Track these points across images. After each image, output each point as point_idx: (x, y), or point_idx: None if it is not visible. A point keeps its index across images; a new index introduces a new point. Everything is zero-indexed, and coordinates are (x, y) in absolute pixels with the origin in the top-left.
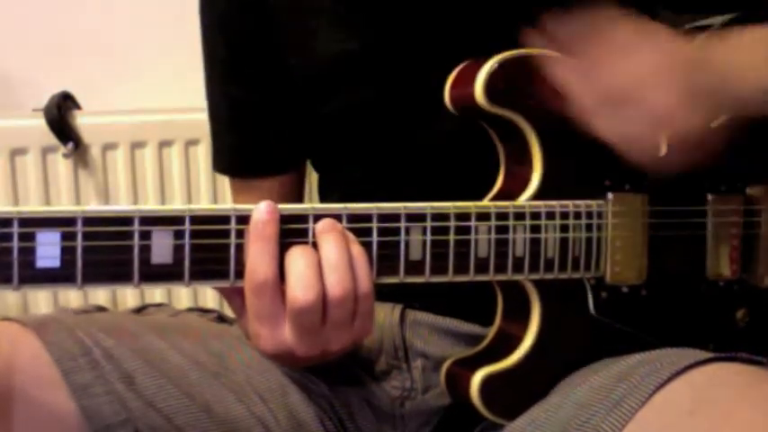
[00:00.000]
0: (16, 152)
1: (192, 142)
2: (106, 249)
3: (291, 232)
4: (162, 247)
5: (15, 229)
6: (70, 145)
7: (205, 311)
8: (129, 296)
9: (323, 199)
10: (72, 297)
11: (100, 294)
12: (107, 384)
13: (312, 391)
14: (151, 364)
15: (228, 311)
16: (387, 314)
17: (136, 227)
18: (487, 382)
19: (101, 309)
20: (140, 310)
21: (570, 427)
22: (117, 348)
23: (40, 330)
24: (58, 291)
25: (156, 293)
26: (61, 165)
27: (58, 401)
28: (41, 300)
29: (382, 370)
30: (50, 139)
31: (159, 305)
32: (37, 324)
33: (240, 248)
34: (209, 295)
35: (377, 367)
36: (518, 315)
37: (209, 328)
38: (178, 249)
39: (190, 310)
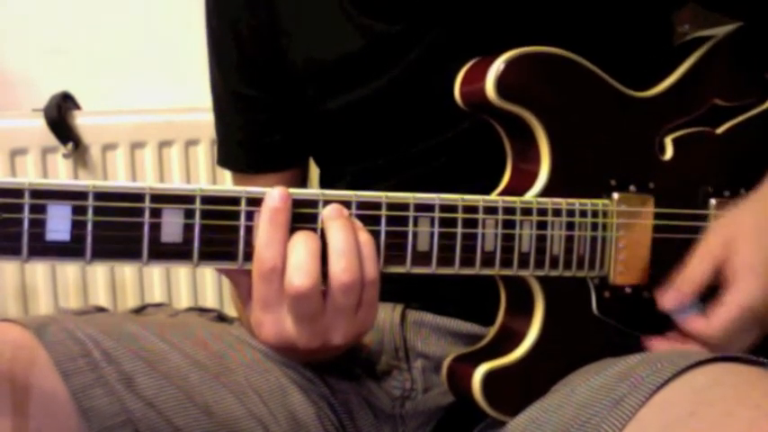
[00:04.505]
0: (16, 152)
1: (191, 142)
2: (116, 225)
3: (300, 217)
4: (172, 226)
5: (26, 201)
6: (70, 145)
7: (205, 311)
8: (129, 296)
9: None
10: (72, 297)
11: (100, 295)
12: (107, 385)
13: (312, 392)
14: (151, 364)
15: (228, 311)
16: (387, 314)
17: (147, 204)
18: (489, 378)
19: (100, 309)
20: (140, 310)
21: (571, 426)
22: (117, 349)
23: (39, 332)
24: (58, 286)
25: (155, 292)
26: (61, 165)
27: (58, 403)
28: (41, 300)
29: (382, 370)
30: (50, 139)
31: (159, 305)
32: (36, 325)
33: (250, 231)
34: (209, 295)
35: (377, 367)
36: (521, 312)
37: (209, 328)
38: (188, 229)
39: (190, 309)
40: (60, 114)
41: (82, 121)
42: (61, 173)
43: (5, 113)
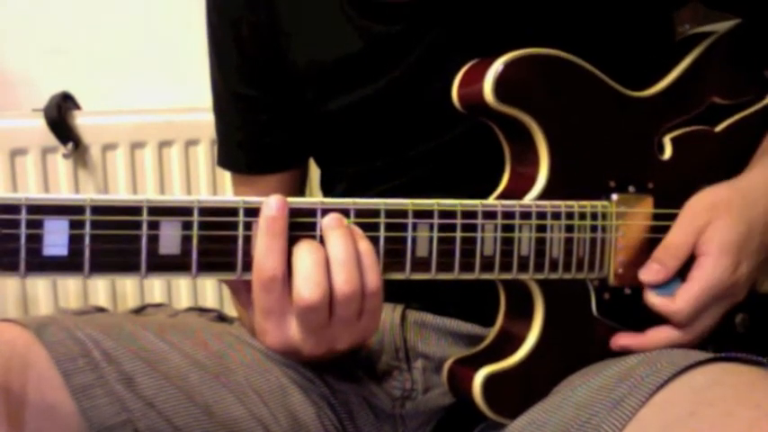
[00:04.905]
0: (16, 152)
1: (191, 142)
2: (114, 239)
3: (299, 226)
4: (170, 238)
5: (23, 216)
6: (70, 145)
7: (205, 311)
8: (129, 296)
9: (326, 194)
10: (72, 298)
11: (100, 295)
12: (107, 385)
13: (312, 392)
14: (151, 364)
15: (228, 310)
16: (387, 314)
17: (144, 217)
18: (490, 381)
19: (100, 309)
20: (140, 310)
21: (571, 427)
22: (117, 349)
23: (39, 332)
24: (58, 292)
25: (155, 293)
26: (61, 165)
27: (58, 403)
28: (41, 300)
29: (383, 370)
30: (50, 139)
31: (159, 305)
32: (36, 325)
33: (248, 241)
34: (209, 295)
35: (377, 367)
36: (521, 314)
37: (209, 328)
38: (186, 240)
39: (189, 309)
40: (60, 114)
41: (82, 121)
42: (61, 173)
43: (5, 113)
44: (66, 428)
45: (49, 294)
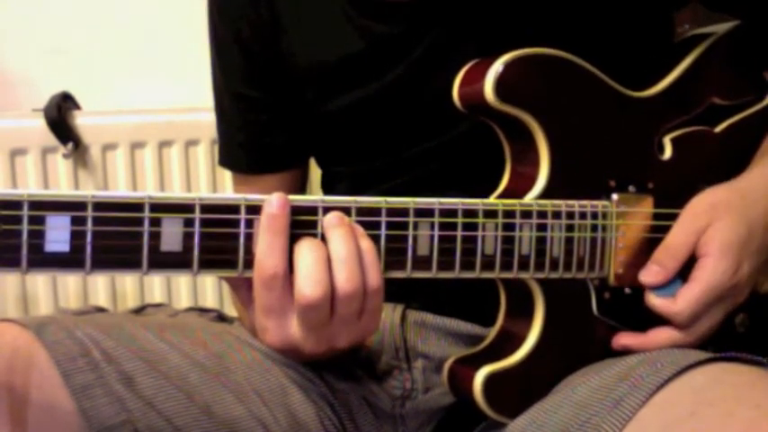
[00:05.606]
0: (16, 152)
1: (191, 142)
2: (116, 235)
3: (300, 224)
4: (171, 235)
5: (25, 212)
6: (70, 145)
7: (205, 311)
8: (129, 296)
9: (327, 193)
10: (72, 297)
11: (100, 295)
12: (107, 385)
13: (312, 391)
14: (151, 364)
15: (228, 310)
16: (387, 314)
17: (146, 213)
18: (490, 381)
19: (100, 309)
20: (140, 310)
21: (571, 426)
22: (116, 349)
23: (39, 331)
24: (58, 292)
25: (155, 293)
26: (61, 165)
27: (58, 402)
28: (41, 300)
29: (383, 370)
30: (50, 139)
31: (158, 305)
32: (36, 325)
33: (249, 238)
34: (208, 295)
35: (377, 367)
36: (521, 314)
37: (209, 328)
38: (187, 237)
39: (189, 309)
40: (60, 114)
41: (82, 121)
42: (61, 173)
43: (5, 113)
44: (66, 428)
45: (49, 294)
